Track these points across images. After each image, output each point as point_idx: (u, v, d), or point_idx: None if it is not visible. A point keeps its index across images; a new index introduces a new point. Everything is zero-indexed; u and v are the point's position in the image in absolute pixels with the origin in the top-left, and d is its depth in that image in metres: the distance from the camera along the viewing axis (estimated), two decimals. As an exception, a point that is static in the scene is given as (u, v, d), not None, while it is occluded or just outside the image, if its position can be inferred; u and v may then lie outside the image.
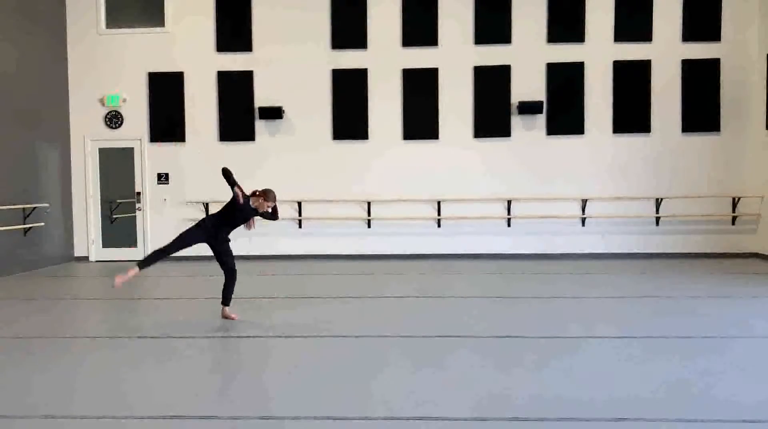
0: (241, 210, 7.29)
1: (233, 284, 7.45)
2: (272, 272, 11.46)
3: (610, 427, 4.18)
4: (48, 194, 12.43)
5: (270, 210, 7.44)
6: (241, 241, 13.01)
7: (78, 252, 13.31)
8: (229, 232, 7.47)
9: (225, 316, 7.41)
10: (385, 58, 12.85)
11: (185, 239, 7.24)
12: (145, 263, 7.15)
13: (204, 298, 8.89)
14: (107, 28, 13.15)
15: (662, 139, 12.70)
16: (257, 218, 7.56)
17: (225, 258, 7.45)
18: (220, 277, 10.64)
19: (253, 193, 7.39)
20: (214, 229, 7.33)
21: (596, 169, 12.76)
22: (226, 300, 7.45)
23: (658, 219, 12.73)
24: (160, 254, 7.17)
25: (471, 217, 12.88)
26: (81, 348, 6.42)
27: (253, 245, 13.08)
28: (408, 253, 12.97)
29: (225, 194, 12.76)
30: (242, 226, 7.48)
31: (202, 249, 13.30)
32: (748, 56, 12.53)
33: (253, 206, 7.37)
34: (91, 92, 13.14)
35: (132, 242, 13.25)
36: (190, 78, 13.07)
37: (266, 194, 7.37)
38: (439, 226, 12.99)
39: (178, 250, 7.21)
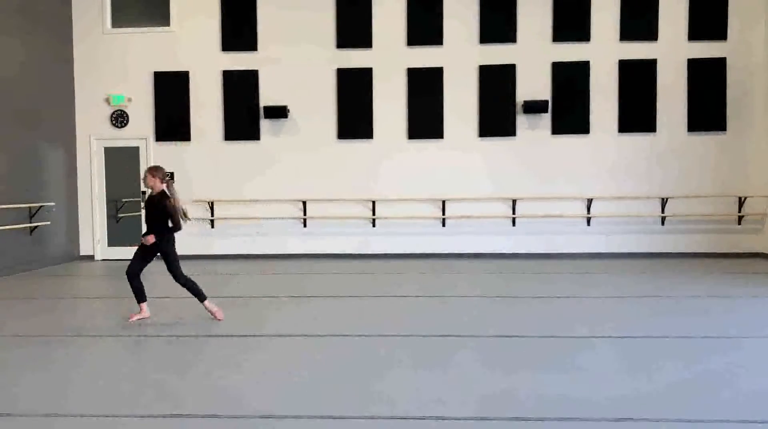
0: (153, 206, 7.26)
1: (194, 286, 7.31)
2: (276, 271, 11.46)
3: (611, 427, 4.18)
4: (53, 193, 12.48)
5: (165, 194, 7.21)
6: (244, 240, 13.12)
7: (83, 251, 13.37)
8: (159, 230, 7.26)
9: (209, 310, 7.32)
10: (389, 57, 12.85)
11: (144, 255, 7.37)
12: (139, 295, 7.33)
13: (207, 297, 8.91)
14: (113, 27, 13.20)
15: (668, 138, 12.66)
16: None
17: (169, 262, 7.31)
18: (221, 276, 10.71)
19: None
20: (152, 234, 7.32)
21: (601, 168, 12.73)
22: (199, 296, 7.34)
23: (663, 218, 12.69)
24: (132, 278, 7.29)
25: (476, 216, 12.87)
26: (83, 346, 6.46)
27: (257, 245, 13.12)
28: (412, 252, 12.97)
29: (229, 193, 12.92)
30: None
31: (201, 248, 13.37)
32: (755, 55, 12.47)
33: (149, 187, 7.27)
34: (96, 91, 13.18)
35: (137, 241, 13.20)
36: (196, 77, 13.10)
37: (150, 170, 7.27)
38: (443, 225, 12.98)
39: (141, 267, 7.34)
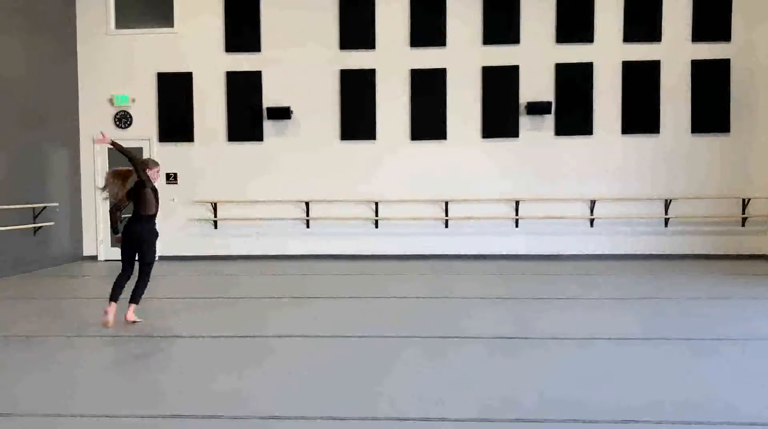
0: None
1: (117, 285, 7.24)
2: (278, 272, 11.46)
3: (611, 430, 4.18)
4: (57, 194, 12.50)
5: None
6: (247, 241, 13.12)
7: (87, 251, 13.39)
8: None
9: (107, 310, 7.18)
10: (392, 58, 12.85)
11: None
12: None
13: (209, 298, 8.93)
14: (117, 28, 13.22)
15: (671, 139, 12.63)
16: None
17: None
18: (223, 277, 10.73)
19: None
20: None
21: (605, 169, 12.70)
22: (112, 296, 7.20)
23: (667, 220, 12.65)
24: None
25: (479, 217, 12.85)
26: (84, 346, 6.47)
27: (260, 245, 13.12)
28: (416, 253, 12.96)
29: (232, 194, 12.93)
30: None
31: (204, 248, 13.36)
32: (758, 57, 12.43)
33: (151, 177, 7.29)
34: (100, 92, 13.20)
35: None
36: (199, 78, 13.11)
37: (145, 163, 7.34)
38: (446, 226, 12.97)
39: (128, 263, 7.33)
